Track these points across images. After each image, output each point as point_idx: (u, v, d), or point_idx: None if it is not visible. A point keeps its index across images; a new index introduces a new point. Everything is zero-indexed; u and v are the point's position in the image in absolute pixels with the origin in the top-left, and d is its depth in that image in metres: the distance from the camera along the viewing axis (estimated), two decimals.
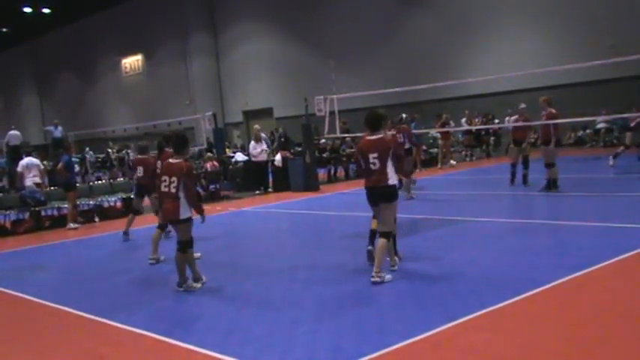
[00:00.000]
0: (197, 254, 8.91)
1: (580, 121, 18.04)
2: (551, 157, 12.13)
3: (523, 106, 13.40)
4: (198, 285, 7.05)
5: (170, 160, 7.07)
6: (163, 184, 6.95)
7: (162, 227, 8.95)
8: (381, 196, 6.59)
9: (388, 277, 6.54)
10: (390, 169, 6.56)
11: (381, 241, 6.54)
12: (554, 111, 12.26)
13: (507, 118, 13.71)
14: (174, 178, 6.83)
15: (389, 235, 6.63)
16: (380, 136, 6.63)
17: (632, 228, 8.37)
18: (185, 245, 6.95)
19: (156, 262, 8.74)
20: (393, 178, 6.59)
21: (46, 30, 46.59)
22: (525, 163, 13.33)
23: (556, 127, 12.27)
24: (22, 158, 23.89)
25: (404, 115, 14.31)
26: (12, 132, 26.35)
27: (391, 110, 24.62)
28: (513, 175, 13.56)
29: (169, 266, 7.11)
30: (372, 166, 6.57)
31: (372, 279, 6.45)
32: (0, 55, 53.39)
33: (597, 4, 22.31)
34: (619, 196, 11.36)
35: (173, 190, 6.83)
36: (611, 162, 15.05)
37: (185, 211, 6.90)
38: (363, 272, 7.17)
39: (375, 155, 6.52)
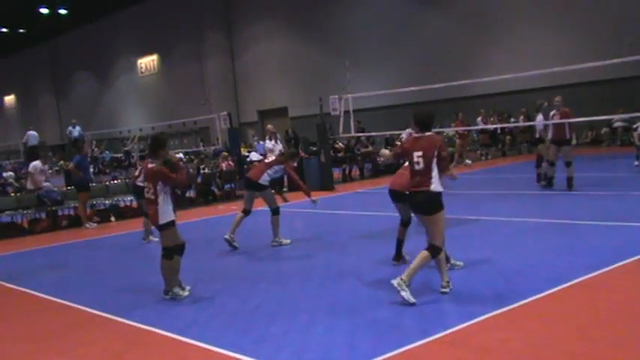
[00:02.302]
0: (287, 240, 9.35)
1: (597, 119, 17.87)
2: (570, 155, 12.23)
3: (557, 99, 12.68)
4: (185, 293, 6.84)
5: (148, 165, 6.98)
6: (146, 190, 6.88)
7: (246, 212, 9.39)
8: (419, 204, 5.98)
9: (405, 294, 5.68)
10: (435, 173, 5.90)
11: (423, 253, 5.84)
12: (567, 109, 12.30)
13: (552, 113, 12.84)
14: (150, 185, 6.74)
15: (436, 251, 5.89)
16: (428, 134, 6.04)
17: None
18: (169, 251, 6.75)
19: (231, 240, 9.34)
20: (436, 185, 5.92)
21: (62, 31, 46.99)
22: (567, 164, 12.43)
23: (571, 125, 12.30)
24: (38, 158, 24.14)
25: None
26: (31, 132, 26.66)
27: (406, 109, 24.58)
28: (551, 176, 12.74)
29: (184, 265, 7.11)
30: (415, 165, 5.97)
31: (394, 280, 5.76)
32: (17, 55, 54.01)
33: (615, 2, 22.09)
34: (636, 196, 11.24)
35: (152, 197, 6.72)
36: (636, 163, 14.92)
37: (165, 216, 6.68)
38: (379, 271, 7.17)
39: (420, 154, 5.93)
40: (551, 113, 12.67)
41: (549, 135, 12.54)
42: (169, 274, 6.81)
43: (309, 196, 9.59)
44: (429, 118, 6.11)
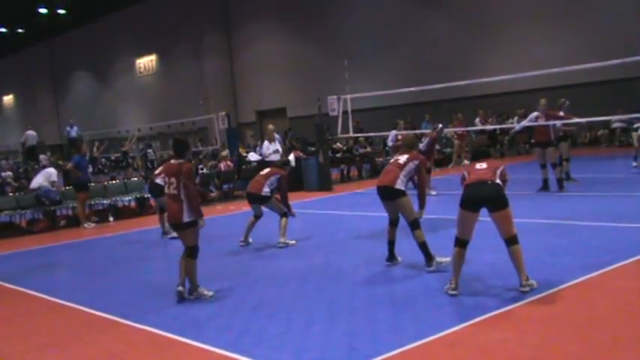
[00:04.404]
0: (292, 241, 9.29)
1: (595, 120, 17.89)
2: (555, 157, 12.33)
3: (543, 101, 12.69)
4: (210, 293, 6.79)
5: (171, 162, 6.96)
6: (166, 186, 6.83)
7: (257, 216, 9.61)
8: (488, 198, 5.87)
9: (532, 282, 5.89)
10: (498, 178, 6.00)
11: (514, 248, 5.89)
12: (551, 111, 12.42)
13: (535, 115, 12.77)
14: (173, 179, 6.66)
15: (517, 240, 5.91)
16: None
17: None
18: (194, 250, 6.71)
19: (245, 244, 9.61)
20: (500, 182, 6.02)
21: (61, 31, 46.94)
22: (553, 165, 12.44)
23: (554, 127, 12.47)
24: (38, 158, 24.09)
25: (439, 126, 14.50)
26: (29, 132, 26.60)
27: (404, 110, 24.64)
28: (545, 179, 12.54)
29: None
30: (478, 165, 6.20)
31: (522, 288, 5.81)
32: (16, 55, 53.92)
33: (613, 3, 22.13)
34: (634, 196, 11.25)
35: (174, 192, 6.63)
36: (634, 164, 14.95)
37: (189, 215, 6.64)
38: (377, 272, 7.18)
39: (484, 165, 6.16)
40: (534, 115, 12.64)
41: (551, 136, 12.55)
42: (195, 273, 6.75)
43: (288, 209, 9.61)
44: (481, 150, 6.72)
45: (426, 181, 7.44)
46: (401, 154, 7.51)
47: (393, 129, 16.09)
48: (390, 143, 16.58)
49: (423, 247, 7.04)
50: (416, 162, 7.28)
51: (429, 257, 7.03)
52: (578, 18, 23.04)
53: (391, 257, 7.44)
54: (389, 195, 7.17)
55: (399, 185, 7.09)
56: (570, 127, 13.60)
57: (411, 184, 7.60)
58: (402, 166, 7.21)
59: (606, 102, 20.53)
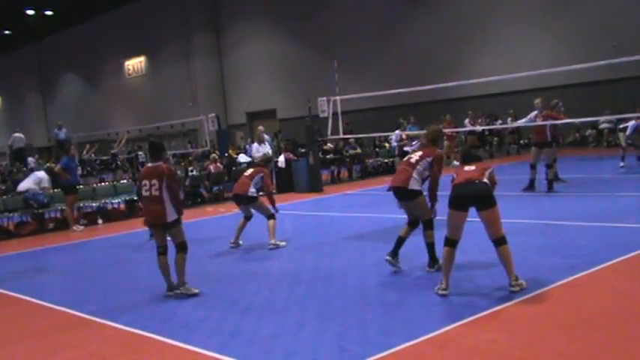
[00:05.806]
0: (283, 243, 9.27)
1: (583, 121, 18.03)
2: (550, 158, 12.33)
3: (537, 101, 12.79)
4: (195, 290, 6.85)
5: (149, 165, 7.01)
6: (144, 189, 6.81)
7: (247, 217, 9.60)
8: (477, 196, 5.91)
9: (522, 282, 5.92)
10: (486, 178, 6.05)
11: (503, 248, 5.91)
12: (549, 111, 12.44)
13: (534, 114, 12.69)
14: (154, 181, 6.69)
15: (505, 240, 5.93)
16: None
17: (635, 228, 8.36)
18: (184, 246, 6.85)
19: (236, 246, 9.56)
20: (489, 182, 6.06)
21: (49, 32, 46.67)
22: (548, 166, 12.43)
23: (555, 126, 12.48)
24: (25, 161, 23.89)
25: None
26: (16, 135, 26.37)
27: (394, 111, 24.67)
28: (532, 179, 12.60)
29: (173, 267, 7.08)
30: (467, 167, 6.22)
31: (512, 288, 5.84)
32: (4, 57, 53.49)
33: (600, 4, 22.29)
34: (621, 196, 11.34)
35: (156, 193, 6.69)
36: (621, 164, 15.08)
37: (172, 214, 6.76)
38: (368, 272, 7.18)
39: (473, 167, 6.17)
40: (534, 114, 12.70)
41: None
42: (184, 268, 6.87)
43: (273, 205, 9.54)
44: (468, 152, 6.79)
45: (437, 177, 7.03)
46: (415, 150, 7.39)
47: (397, 129, 16.04)
48: (394, 143, 16.56)
49: (430, 247, 7.00)
50: (429, 159, 6.99)
51: (433, 259, 6.99)
52: (566, 19, 23.20)
53: (394, 253, 7.04)
54: (403, 196, 7.02)
55: (413, 185, 6.88)
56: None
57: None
58: (413, 165, 6.97)
59: (594, 103, 20.67)
